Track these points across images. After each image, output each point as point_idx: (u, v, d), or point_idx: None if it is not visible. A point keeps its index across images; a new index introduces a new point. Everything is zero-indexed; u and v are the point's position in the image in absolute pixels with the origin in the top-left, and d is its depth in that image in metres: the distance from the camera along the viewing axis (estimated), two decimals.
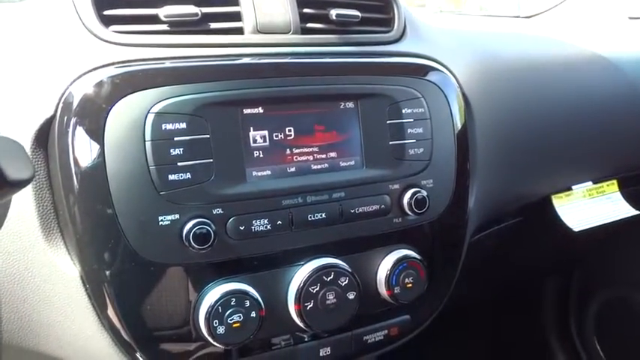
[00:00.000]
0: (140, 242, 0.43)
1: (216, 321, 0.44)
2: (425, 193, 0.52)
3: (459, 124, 0.57)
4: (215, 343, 0.45)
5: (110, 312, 0.45)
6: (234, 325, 0.44)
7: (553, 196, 0.81)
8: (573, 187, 0.83)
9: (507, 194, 0.74)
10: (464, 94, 0.60)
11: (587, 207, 0.83)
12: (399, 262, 0.51)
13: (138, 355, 0.46)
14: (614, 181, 0.87)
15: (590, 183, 0.84)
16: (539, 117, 0.75)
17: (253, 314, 0.45)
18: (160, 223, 0.43)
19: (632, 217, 0.96)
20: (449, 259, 0.58)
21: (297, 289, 0.47)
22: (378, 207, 0.51)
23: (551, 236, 0.97)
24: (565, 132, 0.78)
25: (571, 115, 0.78)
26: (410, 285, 0.52)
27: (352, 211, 0.50)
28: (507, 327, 1.33)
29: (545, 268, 1.23)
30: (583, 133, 0.80)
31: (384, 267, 0.52)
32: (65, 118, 0.43)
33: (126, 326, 0.45)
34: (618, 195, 0.86)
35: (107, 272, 0.44)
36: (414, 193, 0.52)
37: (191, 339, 0.46)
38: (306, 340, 0.51)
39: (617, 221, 1.09)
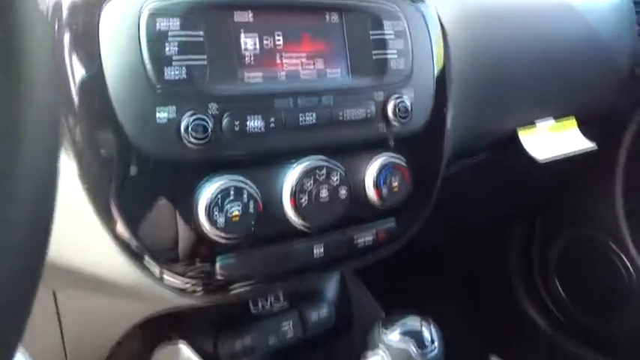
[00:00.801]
0: (139, 136, 0.44)
1: (217, 212, 0.46)
2: (407, 102, 0.55)
3: (435, 48, 0.61)
4: (216, 236, 0.46)
5: (113, 210, 0.45)
6: (234, 218, 0.46)
7: (519, 130, 0.86)
8: (537, 123, 0.88)
9: (478, 126, 0.79)
10: (441, 25, 0.64)
11: (549, 140, 0.89)
12: (385, 165, 0.54)
13: (143, 257, 0.47)
14: (573, 119, 0.93)
15: (552, 120, 0.90)
16: (509, 56, 0.80)
17: (251, 207, 0.47)
18: (158, 117, 0.44)
19: (591, 162, 1.05)
20: (430, 168, 0.61)
21: (292, 185, 0.49)
22: (364, 113, 0.54)
23: (518, 177, 1.03)
24: (531, 71, 0.84)
25: (537, 56, 0.84)
26: (396, 188, 0.55)
27: (340, 115, 0.52)
28: (475, 268, 1.40)
29: (511, 213, 1.29)
30: (547, 73, 0.86)
31: (372, 170, 0.54)
32: (57, 19, 0.43)
33: (130, 230, 0.46)
34: (577, 131, 0.92)
35: (108, 171, 0.44)
36: (396, 102, 0.55)
37: (192, 235, 0.47)
38: (300, 239, 0.53)
39: (576, 168, 1.17)
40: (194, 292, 0.51)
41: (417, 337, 0.45)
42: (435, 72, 0.61)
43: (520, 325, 1.38)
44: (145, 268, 0.49)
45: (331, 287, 0.73)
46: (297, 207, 0.49)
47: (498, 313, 1.37)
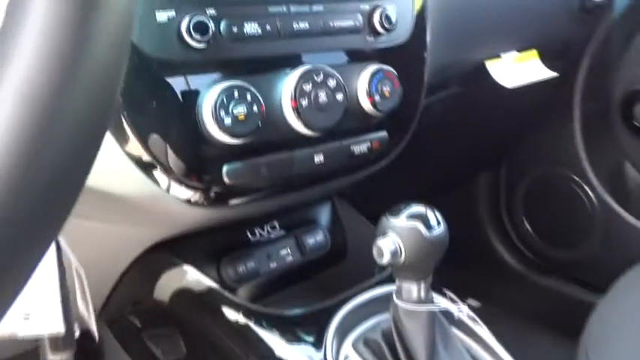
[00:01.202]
0: (140, 37, 0.44)
1: (223, 113, 0.46)
2: (390, 13, 0.58)
3: None
4: (223, 138, 0.47)
5: (121, 120, 0.46)
6: (240, 118, 0.47)
7: (486, 61, 0.90)
8: (502, 54, 0.93)
9: (449, 55, 0.82)
10: None
11: (514, 70, 0.93)
12: (376, 72, 0.56)
13: (151, 168, 0.48)
14: (535, 51, 0.98)
15: (516, 52, 0.95)
16: None
17: (255, 108, 0.48)
18: (158, 18, 0.45)
19: (550, 103, 1.14)
20: (416, 78, 0.64)
21: (292, 88, 0.51)
22: (352, 23, 0.56)
23: (487, 114, 1.08)
24: (495, 4, 0.88)
25: None
26: (387, 94, 0.57)
27: (331, 24, 0.54)
28: (448, 215, 1.45)
29: (479, 161, 1.35)
30: (509, 5, 0.91)
31: (364, 78, 0.56)
32: None
33: (138, 139, 0.46)
34: (539, 61, 0.98)
35: None
36: (381, 13, 0.57)
37: (199, 140, 0.48)
38: (302, 147, 0.54)
39: (538, 108, 1.23)
40: (200, 203, 0.51)
41: (423, 219, 0.47)
42: None
43: (492, 265, 1.44)
44: (153, 180, 0.49)
45: (324, 214, 0.75)
46: (297, 110, 0.51)
47: (472, 257, 1.43)
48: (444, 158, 1.13)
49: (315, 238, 0.71)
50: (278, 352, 0.52)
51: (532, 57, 0.97)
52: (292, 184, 0.57)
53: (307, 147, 0.55)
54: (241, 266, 0.64)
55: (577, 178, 1.22)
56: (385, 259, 0.46)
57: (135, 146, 0.47)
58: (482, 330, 0.56)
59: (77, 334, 0.41)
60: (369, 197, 0.80)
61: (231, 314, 0.56)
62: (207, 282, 0.58)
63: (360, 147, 0.59)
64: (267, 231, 0.69)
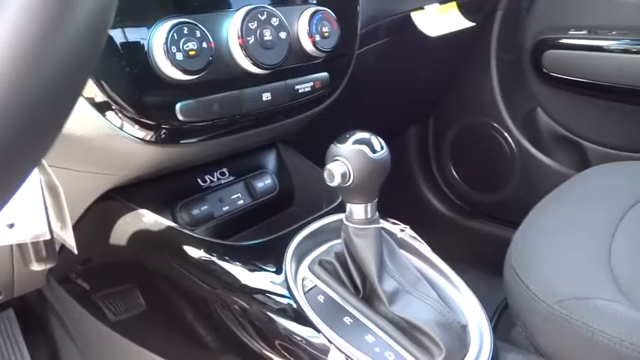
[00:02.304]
0: None
1: (174, 48, 0.48)
2: None
3: None
4: (175, 74, 0.49)
5: None
6: (191, 53, 0.49)
7: (412, 13, 0.96)
8: (425, 6, 0.99)
9: (379, 7, 0.87)
10: None
11: (437, 21, 1.00)
12: (314, 13, 0.60)
13: (106, 108, 0.49)
14: (454, 3, 1.05)
15: (438, 4, 1.02)
16: None
17: (205, 44, 0.50)
18: None
19: (470, 58, 1.23)
20: (351, 21, 0.68)
21: (239, 25, 0.53)
22: None
23: (414, 64, 1.15)
24: None
25: None
26: (327, 33, 0.61)
27: None
28: None
29: (409, 112, 1.43)
30: None
31: (304, 19, 0.59)
32: None
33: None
34: (458, 13, 1.05)
35: None
36: None
37: (152, 79, 0.50)
38: (251, 87, 0.57)
39: (458, 63, 1.31)
40: (154, 141, 0.53)
41: (368, 143, 0.52)
42: None
43: (423, 212, 1.54)
44: (107, 119, 0.50)
45: (271, 160, 0.78)
46: (244, 47, 0.53)
47: (404, 205, 1.52)
48: (378, 108, 1.19)
49: (264, 182, 0.74)
50: (243, 281, 0.56)
51: (452, 8, 1.04)
52: (242, 123, 0.60)
53: (255, 86, 0.57)
54: (195, 210, 0.66)
55: (497, 125, 1.33)
56: (336, 181, 0.51)
57: (88, 86, 0.48)
58: (423, 246, 0.62)
59: (57, 247, 0.42)
60: (309, 146, 0.85)
61: (191, 251, 0.58)
62: (165, 222, 0.60)
63: (304, 86, 0.62)
64: (217, 177, 0.71)
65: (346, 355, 0.49)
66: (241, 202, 0.72)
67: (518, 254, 0.72)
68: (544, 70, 1.20)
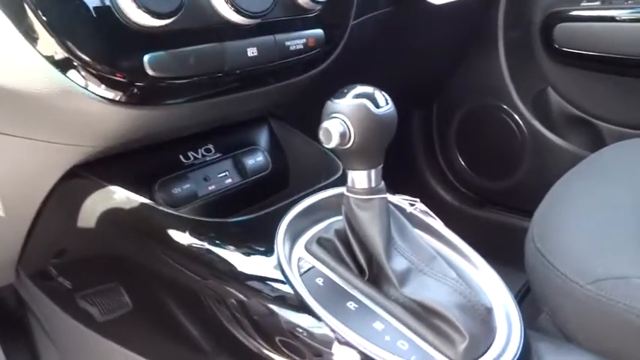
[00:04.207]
0: None
1: None
2: None
3: None
4: (140, 17, 0.42)
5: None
6: None
7: None
8: None
9: None
10: None
11: None
12: None
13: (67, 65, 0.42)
14: None
15: None
16: None
17: None
18: None
19: (476, 39, 1.18)
20: None
21: None
22: None
23: (416, 38, 1.07)
24: None
25: None
26: None
27: None
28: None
29: (412, 95, 1.35)
30: None
31: None
32: None
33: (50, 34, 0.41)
34: None
35: None
36: None
37: (115, 26, 0.42)
38: (234, 40, 0.49)
39: (465, 46, 1.24)
40: (123, 101, 0.45)
41: (370, 97, 0.44)
42: None
43: (428, 202, 1.46)
44: (70, 78, 0.43)
45: (262, 136, 0.70)
46: None
47: (408, 195, 1.45)
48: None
49: (255, 159, 0.67)
50: (232, 265, 0.48)
51: None
52: (225, 85, 0.52)
53: (239, 39, 0.50)
54: (176, 188, 0.59)
55: (506, 107, 1.25)
56: (334, 142, 0.43)
57: (47, 42, 0.41)
58: (437, 223, 0.55)
59: None
60: (304, 125, 0.77)
61: (173, 232, 0.50)
62: (141, 199, 0.52)
63: (295, 43, 0.55)
64: (202, 154, 0.64)
65: (351, 346, 0.41)
66: (229, 180, 0.64)
67: (541, 233, 0.64)
68: (555, 45, 1.13)
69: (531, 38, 1.18)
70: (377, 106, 0.44)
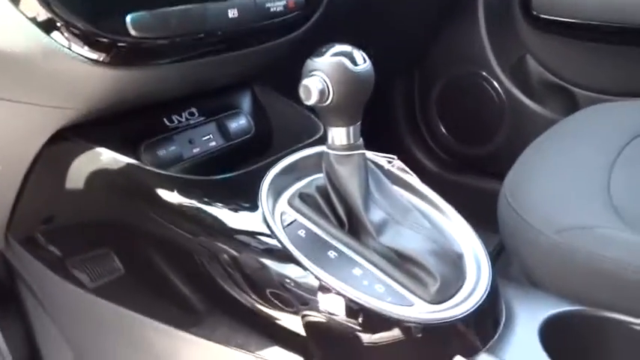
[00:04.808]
0: None
1: None
2: None
3: None
4: None
5: None
6: None
7: None
8: None
9: None
10: None
11: None
12: None
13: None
14: None
15: None
16: None
17: None
18: None
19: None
20: None
21: None
22: None
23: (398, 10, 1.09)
24: None
25: None
26: None
27: None
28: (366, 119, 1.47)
29: (393, 63, 1.36)
30: None
31: None
32: None
33: None
34: None
35: None
36: None
37: None
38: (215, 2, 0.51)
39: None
40: (106, 62, 0.47)
41: (348, 55, 0.46)
42: None
43: (411, 168, 1.50)
44: (54, 39, 0.44)
45: (245, 100, 0.72)
46: None
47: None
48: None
49: (238, 122, 0.68)
50: (217, 220, 0.50)
51: None
52: (207, 46, 0.53)
53: (221, 2, 0.51)
54: (162, 150, 0.60)
55: (485, 74, 1.28)
56: (313, 99, 0.45)
57: (30, 3, 0.42)
58: (413, 178, 0.57)
59: None
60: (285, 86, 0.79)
61: (161, 191, 0.52)
62: (128, 160, 0.54)
63: (276, 4, 0.56)
64: (186, 117, 0.65)
65: (333, 291, 0.44)
66: (213, 143, 0.65)
67: (512, 190, 0.68)
68: (533, 12, 1.15)
69: (510, 5, 1.20)
70: (355, 63, 0.46)
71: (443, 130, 1.43)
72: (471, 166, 1.42)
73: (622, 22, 1.03)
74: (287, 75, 0.71)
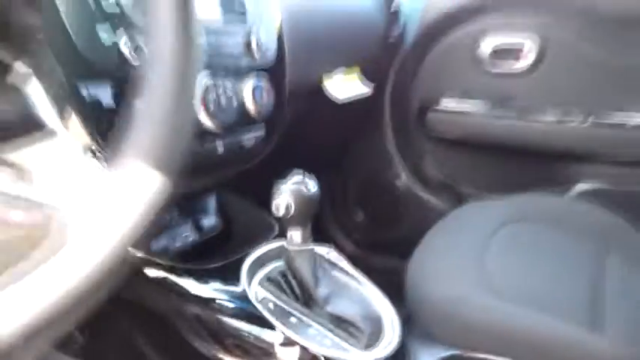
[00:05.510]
0: None
1: None
2: (262, 35, 0.79)
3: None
4: None
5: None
6: None
7: (324, 78, 1.18)
8: (333, 74, 1.21)
9: (299, 75, 1.07)
10: None
11: (343, 87, 1.22)
12: (256, 86, 0.77)
13: None
14: (358, 69, 1.28)
15: (342, 74, 1.24)
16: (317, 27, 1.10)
17: None
18: None
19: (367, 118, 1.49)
20: (281, 88, 0.86)
21: (201, 95, 0.68)
22: (237, 44, 0.76)
23: (328, 120, 1.36)
24: (329, 36, 1.16)
25: (331, 25, 1.17)
26: (265, 99, 0.78)
27: (223, 46, 0.74)
28: None
29: (321, 164, 1.63)
30: (339, 36, 1.20)
31: (248, 88, 0.76)
32: None
33: None
34: (358, 81, 1.28)
35: None
36: (257, 39, 0.78)
37: None
38: (208, 139, 0.72)
39: (359, 127, 1.54)
40: None
41: (304, 183, 0.69)
42: (275, 25, 0.86)
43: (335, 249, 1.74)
44: None
45: (212, 202, 0.92)
46: (207, 110, 0.69)
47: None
48: (292, 157, 1.38)
49: (209, 221, 0.88)
50: (213, 296, 0.69)
51: (353, 76, 1.28)
52: (200, 170, 0.74)
53: (212, 139, 0.73)
54: (154, 244, 0.79)
55: (392, 173, 1.57)
56: (281, 212, 0.67)
57: None
58: (345, 263, 0.80)
59: None
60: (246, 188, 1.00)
61: (154, 273, 0.71)
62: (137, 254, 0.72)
63: (248, 140, 0.79)
64: (171, 216, 0.84)
65: (296, 344, 0.64)
66: (191, 238, 0.85)
67: (412, 272, 0.92)
68: (426, 129, 1.47)
69: (409, 120, 1.52)
70: (308, 189, 0.69)
71: (360, 219, 1.70)
72: (382, 247, 1.68)
73: (498, 141, 1.36)
74: (251, 182, 0.94)
